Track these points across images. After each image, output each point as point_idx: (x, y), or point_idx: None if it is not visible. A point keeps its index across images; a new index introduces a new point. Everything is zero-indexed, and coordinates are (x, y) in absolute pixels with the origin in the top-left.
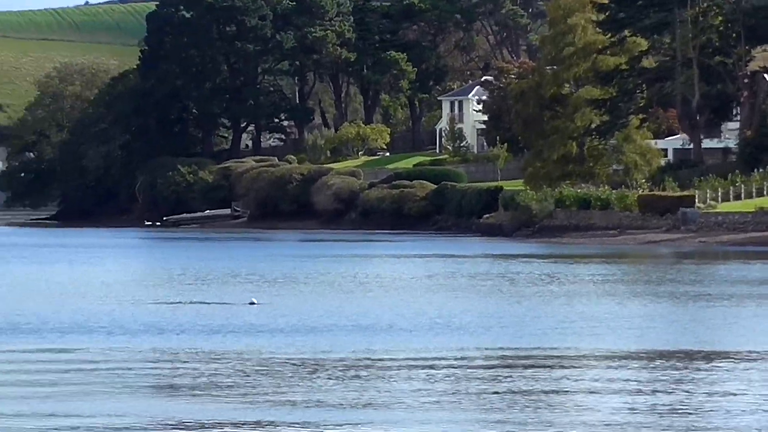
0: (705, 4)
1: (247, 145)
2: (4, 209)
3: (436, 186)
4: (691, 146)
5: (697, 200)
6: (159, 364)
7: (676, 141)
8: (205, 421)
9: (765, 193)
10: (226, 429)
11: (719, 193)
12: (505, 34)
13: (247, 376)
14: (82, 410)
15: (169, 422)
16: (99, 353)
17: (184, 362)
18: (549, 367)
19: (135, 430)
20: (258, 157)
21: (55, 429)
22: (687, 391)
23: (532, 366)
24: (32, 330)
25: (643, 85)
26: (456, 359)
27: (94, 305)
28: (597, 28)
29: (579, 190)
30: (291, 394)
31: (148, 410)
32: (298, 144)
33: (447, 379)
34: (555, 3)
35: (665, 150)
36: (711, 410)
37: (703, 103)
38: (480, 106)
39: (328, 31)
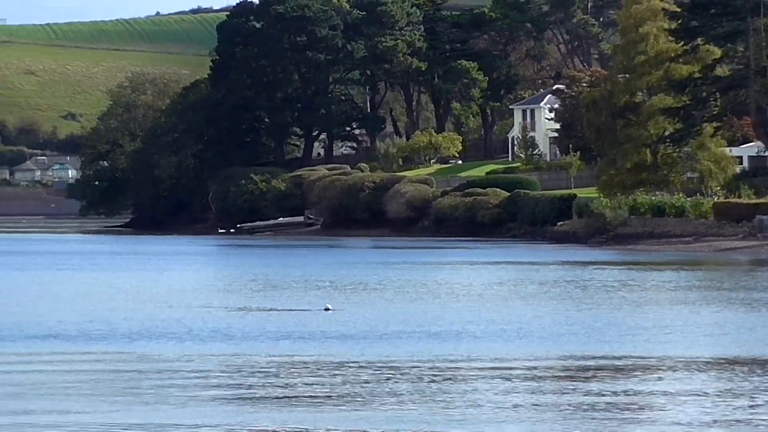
0: None
1: (319, 154)
2: (78, 217)
3: (509, 194)
4: (767, 154)
5: None
6: (234, 371)
7: (751, 149)
8: (282, 428)
9: None
10: None
11: None
12: (576, 43)
13: (323, 382)
14: (161, 419)
15: (244, 430)
16: (172, 360)
17: (260, 369)
18: (622, 374)
19: None
20: (330, 166)
21: None
22: (764, 399)
23: (604, 373)
24: (102, 336)
25: (717, 93)
26: (527, 366)
27: (166, 312)
28: (669, 37)
29: (653, 198)
30: (367, 400)
31: (224, 419)
32: (370, 152)
33: (520, 386)
34: (626, 12)
35: (740, 158)
36: None
37: None
38: (552, 115)
39: (399, 41)
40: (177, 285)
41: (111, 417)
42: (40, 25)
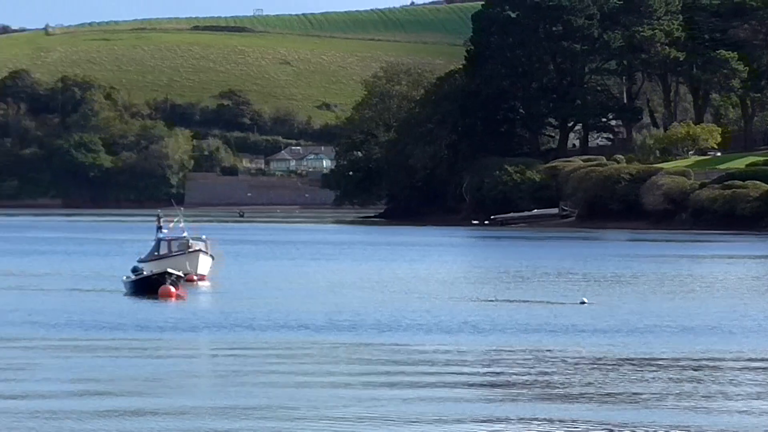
0: None
1: (574, 145)
2: (332, 207)
3: None
4: None
5: None
6: (488, 364)
7: None
8: (533, 421)
9: None
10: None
11: None
12: None
13: (581, 377)
14: (411, 412)
15: (502, 420)
16: (425, 352)
17: (515, 362)
18: None
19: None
20: (585, 157)
21: None
22: None
23: None
24: (351, 327)
25: None
26: None
27: (416, 303)
28: None
29: None
30: (625, 396)
31: (480, 412)
32: (626, 143)
33: None
34: None
35: None
36: None
37: None
38: None
39: (657, 30)
40: (428, 276)
41: (371, 409)
42: (296, 15)
